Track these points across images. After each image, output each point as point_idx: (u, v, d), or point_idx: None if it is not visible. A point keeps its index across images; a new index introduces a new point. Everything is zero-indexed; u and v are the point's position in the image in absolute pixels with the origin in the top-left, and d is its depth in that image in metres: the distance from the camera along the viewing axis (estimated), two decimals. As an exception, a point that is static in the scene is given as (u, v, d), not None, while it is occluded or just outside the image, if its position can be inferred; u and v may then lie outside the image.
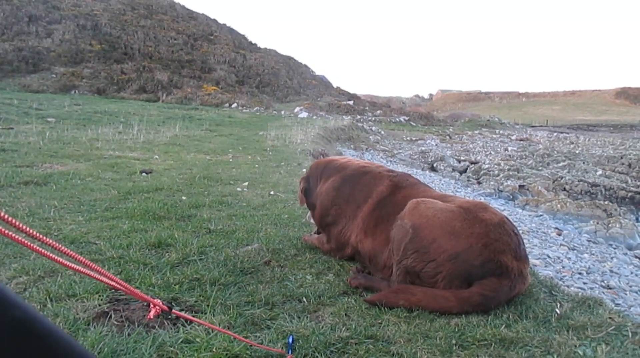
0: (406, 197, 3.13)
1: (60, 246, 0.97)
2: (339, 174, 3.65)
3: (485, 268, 2.60)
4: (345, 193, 3.51)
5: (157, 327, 2.28)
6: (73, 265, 1.08)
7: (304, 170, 8.15)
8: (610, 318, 2.57)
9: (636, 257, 7.56)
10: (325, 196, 3.61)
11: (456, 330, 2.38)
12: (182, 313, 2.03)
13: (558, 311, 2.65)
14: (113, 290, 2.56)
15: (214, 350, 2.09)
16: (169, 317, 2.33)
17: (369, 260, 3.21)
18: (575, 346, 2.26)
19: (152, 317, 1.39)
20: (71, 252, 1.03)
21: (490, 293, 2.59)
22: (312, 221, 3.96)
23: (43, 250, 0.95)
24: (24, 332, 0.58)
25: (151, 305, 1.39)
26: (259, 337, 2.26)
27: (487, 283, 2.60)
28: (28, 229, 0.83)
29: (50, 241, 0.93)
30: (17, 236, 0.83)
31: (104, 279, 1.17)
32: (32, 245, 0.88)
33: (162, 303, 1.42)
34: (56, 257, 1.00)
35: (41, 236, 0.89)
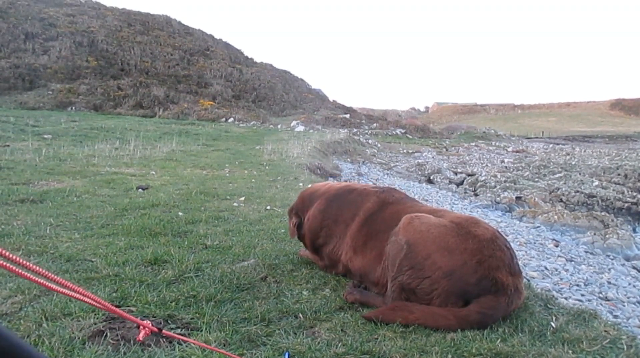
0: (394, 213, 3.13)
1: (42, 270, 0.97)
2: (323, 196, 3.65)
3: (481, 285, 2.60)
4: (333, 213, 3.51)
5: (152, 345, 2.27)
6: (59, 288, 1.08)
7: (301, 184, 8.17)
8: (605, 331, 2.57)
9: (634, 268, 7.56)
10: (313, 220, 3.60)
11: (452, 344, 2.38)
12: (173, 334, 2.02)
13: (553, 325, 2.66)
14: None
15: (209, 368, 2.09)
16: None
17: (359, 278, 3.22)
18: (571, 359, 2.26)
19: (141, 338, 1.39)
20: (55, 276, 1.03)
21: (489, 311, 2.59)
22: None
23: (26, 273, 0.95)
24: None
25: (141, 327, 1.39)
26: (255, 354, 2.26)
27: (485, 300, 2.59)
28: (8, 253, 0.83)
29: (33, 265, 0.93)
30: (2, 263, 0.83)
31: (92, 302, 1.17)
32: (13, 267, 0.88)
33: (152, 325, 1.42)
34: (39, 279, 1.00)
35: (24, 261, 0.89)
